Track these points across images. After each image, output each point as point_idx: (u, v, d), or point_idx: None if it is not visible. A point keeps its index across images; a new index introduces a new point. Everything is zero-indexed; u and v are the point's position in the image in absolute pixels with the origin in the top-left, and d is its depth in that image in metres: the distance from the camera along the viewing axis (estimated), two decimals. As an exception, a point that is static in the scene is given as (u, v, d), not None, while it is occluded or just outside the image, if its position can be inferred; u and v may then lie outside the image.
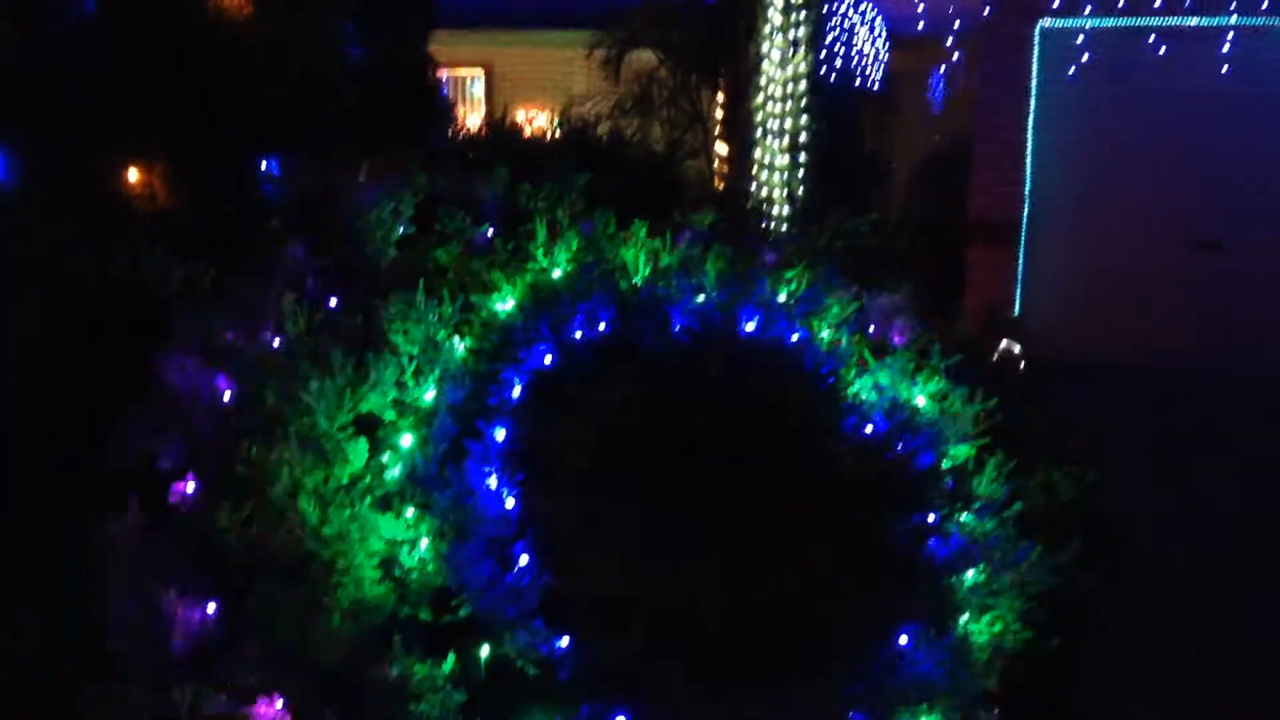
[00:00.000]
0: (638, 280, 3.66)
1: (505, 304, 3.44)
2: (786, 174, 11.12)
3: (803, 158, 11.30)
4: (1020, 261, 11.04)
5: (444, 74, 13.57)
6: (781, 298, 3.75)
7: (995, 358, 7.63)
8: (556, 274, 3.57)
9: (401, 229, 3.39)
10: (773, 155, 11.24)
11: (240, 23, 3.51)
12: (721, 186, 11.70)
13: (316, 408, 2.86)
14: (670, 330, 3.55)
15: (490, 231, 3.60)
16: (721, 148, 11.86)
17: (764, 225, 5.14)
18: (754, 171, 10.99)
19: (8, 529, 2.70)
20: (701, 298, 3.66)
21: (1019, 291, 11.10)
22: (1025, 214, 10.88)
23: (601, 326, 3.49)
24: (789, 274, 3.80)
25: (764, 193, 10.74)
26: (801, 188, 11.01)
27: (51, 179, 3.30)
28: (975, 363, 4.08)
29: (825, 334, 3.75)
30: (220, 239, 3.22)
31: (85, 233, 3.26)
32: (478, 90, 13.62)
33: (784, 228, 8.89)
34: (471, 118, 13.64)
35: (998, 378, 4.12)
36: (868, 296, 4.00)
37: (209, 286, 3.16)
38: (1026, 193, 10.80)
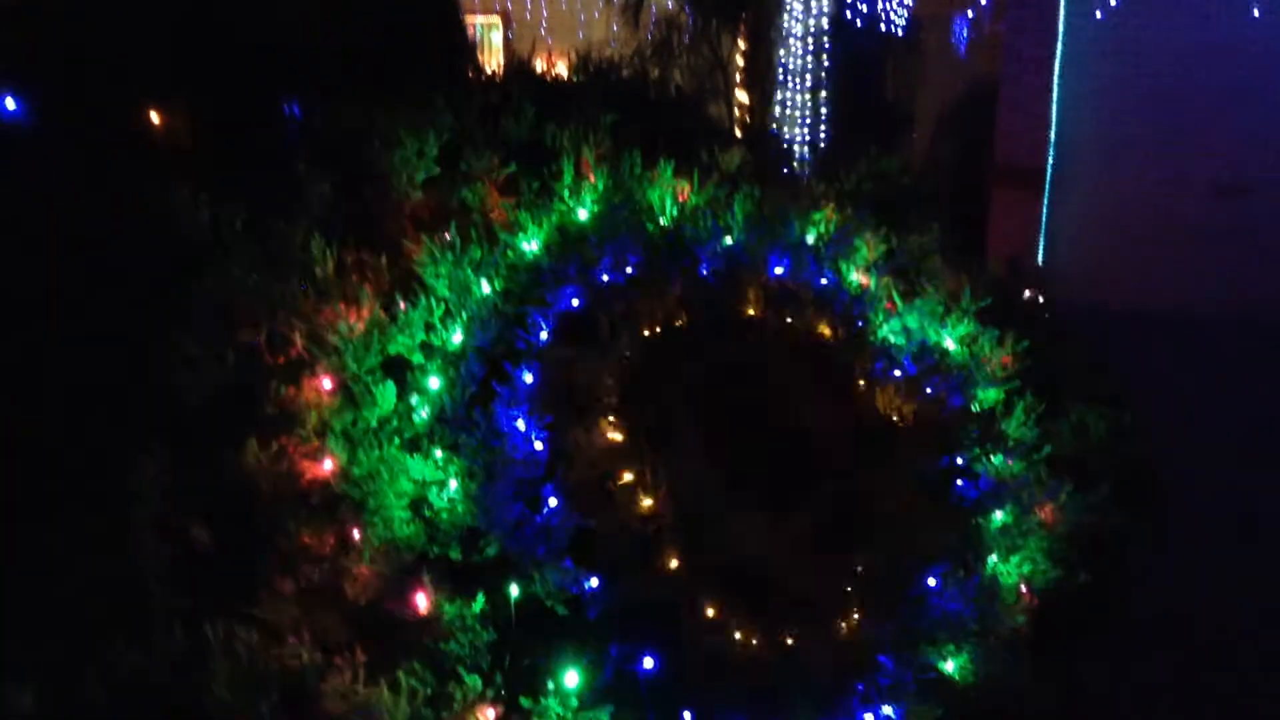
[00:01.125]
0: (665, 221, 3.62)
1: (531, 244, 3.40)
2: (809, 119, 10.97)
3: (824, 104, 11.15)
4: (1045, 207, 10.90)
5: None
6: (810, 239, 3.71)
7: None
8: (583, 215, 3.53)
9: (426, 170, 3.35)
10: (794, 101, 11.08)
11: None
12: (743, 133, 11.60)
13: (345, 350, 2.85)
14: (698, 272, 3.51)
15: (516, 170, 3.56)
16: (742, 94, 11.74)
17: (790, 166, 5.06)
18: (775, 117, 10.86)
19: (49, 473, 2.72)
20: (729, 239, 3.62)
21: (1043, 237, 10.98)
22: (1050, 159, 10.73)
23: (629, 269, 3.46)
24: (817, 215, 3.75)
25: (785, 137, 10.61)
26: (824, 132, 10.87)
27: (74, 121, 3.28)
28: (1005, 306, 4.03)
29: (854, 276, 3.71)
30: (246, 180, 3.19)
31: (110, 175, 3.25)
32: (496, 39, 13.46)
33: (806, 172, 8.80)
34: (489, 68, 13.49)
35: (1028, 321, 4.07)
36: (896, 238, 3.95)
37: (237, 227, 3.14)
38: (1052, 138, 10.64)
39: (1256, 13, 9.62)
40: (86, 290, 2.96)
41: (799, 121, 11.06)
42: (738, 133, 11.65)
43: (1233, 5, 9.69)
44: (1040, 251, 11.00)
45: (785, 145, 9.22)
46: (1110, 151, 10.66)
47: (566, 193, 3.52)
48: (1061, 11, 10.24)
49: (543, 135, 3.71)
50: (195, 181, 3.11)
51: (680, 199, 3.65)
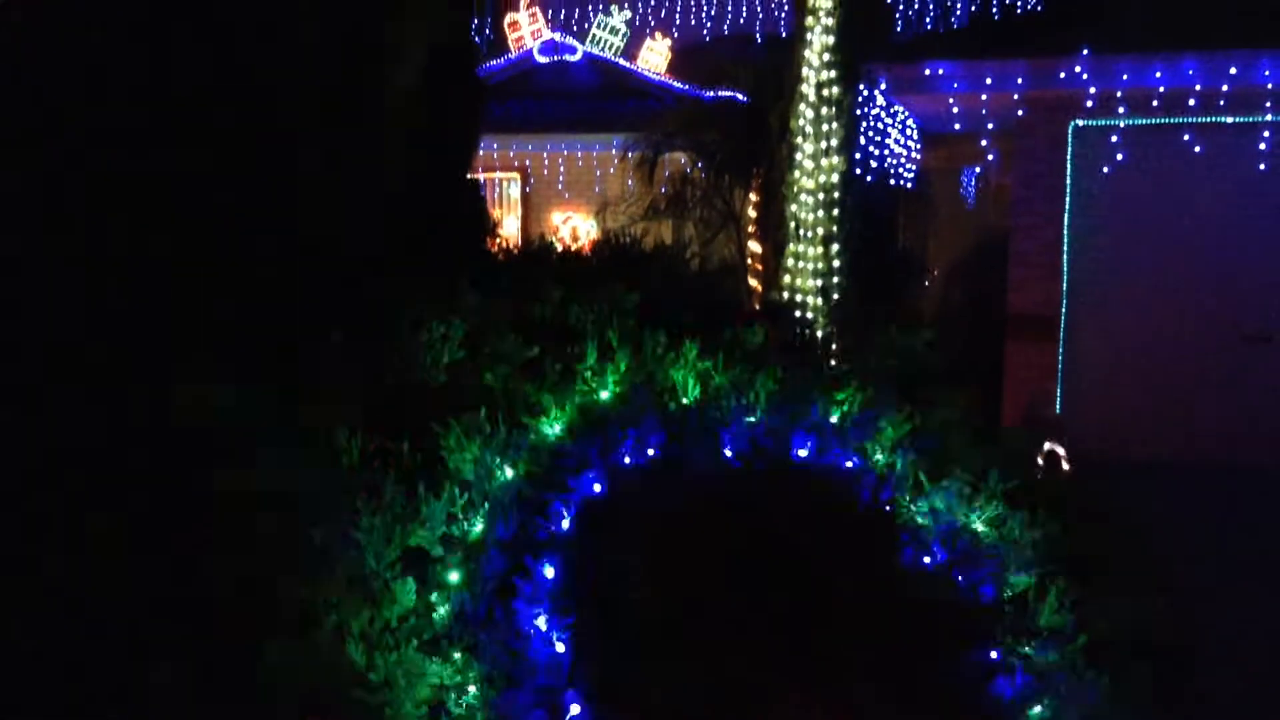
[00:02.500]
0: (688, 401, 3.61)
1: (554, 427, 3.39)
2: (821, 274, 11.12)
3: (836, 257, 11.32)
4: (1060, 356, 10.91)
5: (481, 178, 13.85)
6: (834, 419, 3.68)
7: (1039, 460, 7.48)
8: (605, 395, 3.53)
9: (450, 354, 3.37)
10: (806, 255, 11.26)
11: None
12: (757, 286, 11.75)
13: (366, 545, 2.81)
14: (721, 454, 3.48)
15: (539, 352, 3.57)
16: (755, 246, 11.93)
17: (811, 335, 5.08)
18: (788, 271, 11.02)
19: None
20: (753, 419, 3.60)
21: (1059, 386, 10.95)
22: (1064, 308, 10.79)
23: (651, 451, 3.43)
24: (841, 395, 3.74)
25: (799, 292, 10.74)
26: (836, 285, 11.01)
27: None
28: (1033, 484, 3.97)
29: (879, 457, 3.67)
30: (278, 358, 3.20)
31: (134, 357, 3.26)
32: (514, 192, 13.82)
33: (820, 331, 8.86)
34: (508, 219, 13.85)
35: (1057, 500, 3.99)
36: (920, 415, 3.92)
37: (262, 412, 3.14)
38: (1065, 287, 10.73)
39: (1263, 166, 9.81)
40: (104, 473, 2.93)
41: (811, 274, 11.21)
42: (752, 282, 11.82)
43: (1241, 155, 9.89)
44: (1058, 400, 10.96)
45: (798, 300, 9.28)
46: (1125, 300, 10.72)
47: (589, 374, 3.53)
48: (1069, 165, 10.47)
49: (567, 316, 3.75)
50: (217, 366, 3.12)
51: (703, 379, 3.66)
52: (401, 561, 2.91)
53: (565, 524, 3.14)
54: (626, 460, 3.40)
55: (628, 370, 3.56)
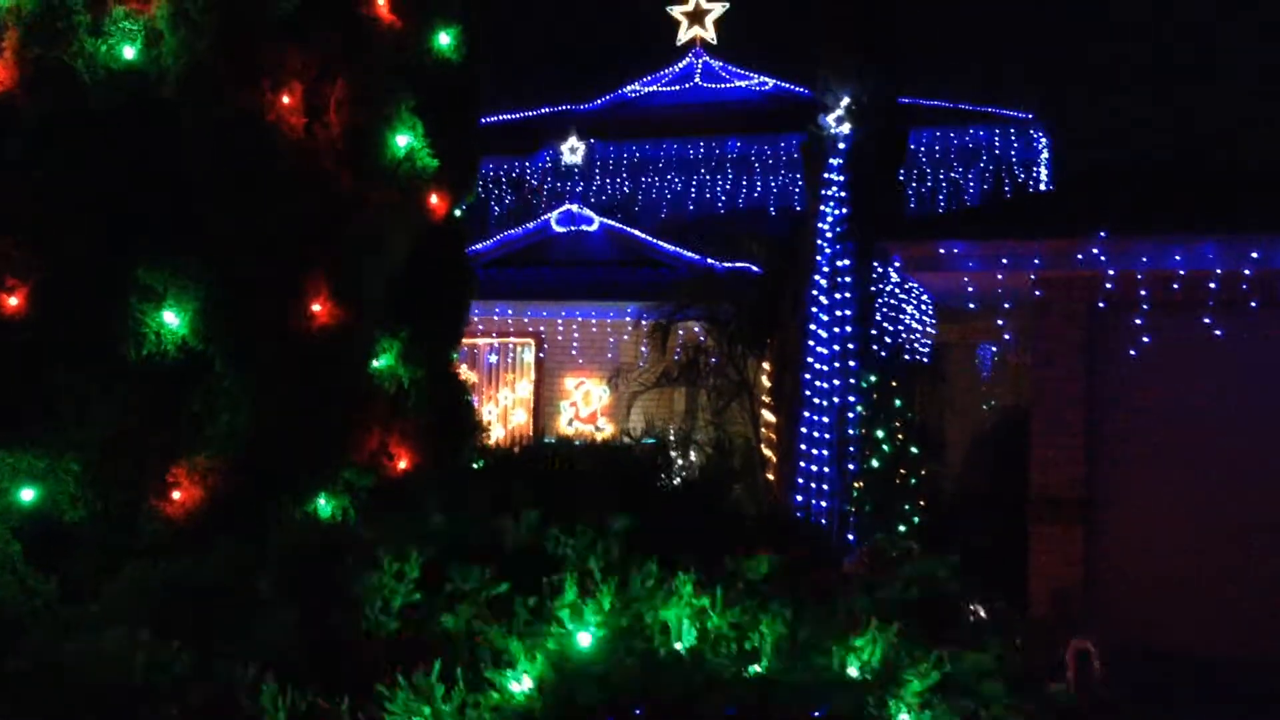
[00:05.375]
0: (681, 647, 3.12)
1: (522, 682, 2.90)
2: (835, 445, 10.71)
3: (850, 425, 10.94)
4: (1085, 541, 10.34)
5: (494, 343, 13.70)
6: (853, 671, 3.18)
7: (1067, 657, 6.94)
8: (585, 640, 3.04)
9: (404, 595, 2.91)
10: (820, 422, 10.88)
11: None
12: (771, 456, 11.35)
13: None
14: (723, 714, 2.97)
15: (509, 587, 3.12)
16: (769, 416, 11.60)
17: (827, 540, 4.63)
18: (803, 437, 10.62)
19: None
20: (757, 668, 3.11)
21: (1084, 572, 10.34)
22: (1090, 491, 10.28)
23: (636, 710, 2.93)
24: (859, 641, 3.24)
25: (814, 468, 10.32)
26: (850, 456, 10.58)
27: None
28: None
29: (905, 717, 3.15)
30: (196, 611, 2.75)
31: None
32: (528, 357, 13.67)
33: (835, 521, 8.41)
34: (521, 383, 13.65)
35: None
36: (950, 659, 3.42)
37: (180, 665, 2.67)
38: (1089, 470, 10.25)
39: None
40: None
41: (821, 441, 10.81)
42: (765, 451, 11.41)
43: (1267, 339, 9.57)
44: (1083, 587, 10.33)
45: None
46: (1150, 483, 10.22)
47: (567, 614, 3.06)
48: (1090, 346, 10.14)
49: (544, 540, 3.31)
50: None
51: (699, 618, 3.18)
52: None
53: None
54: (607, 724, 2.89)
55: (612, 610, 3.09)
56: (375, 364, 3.84)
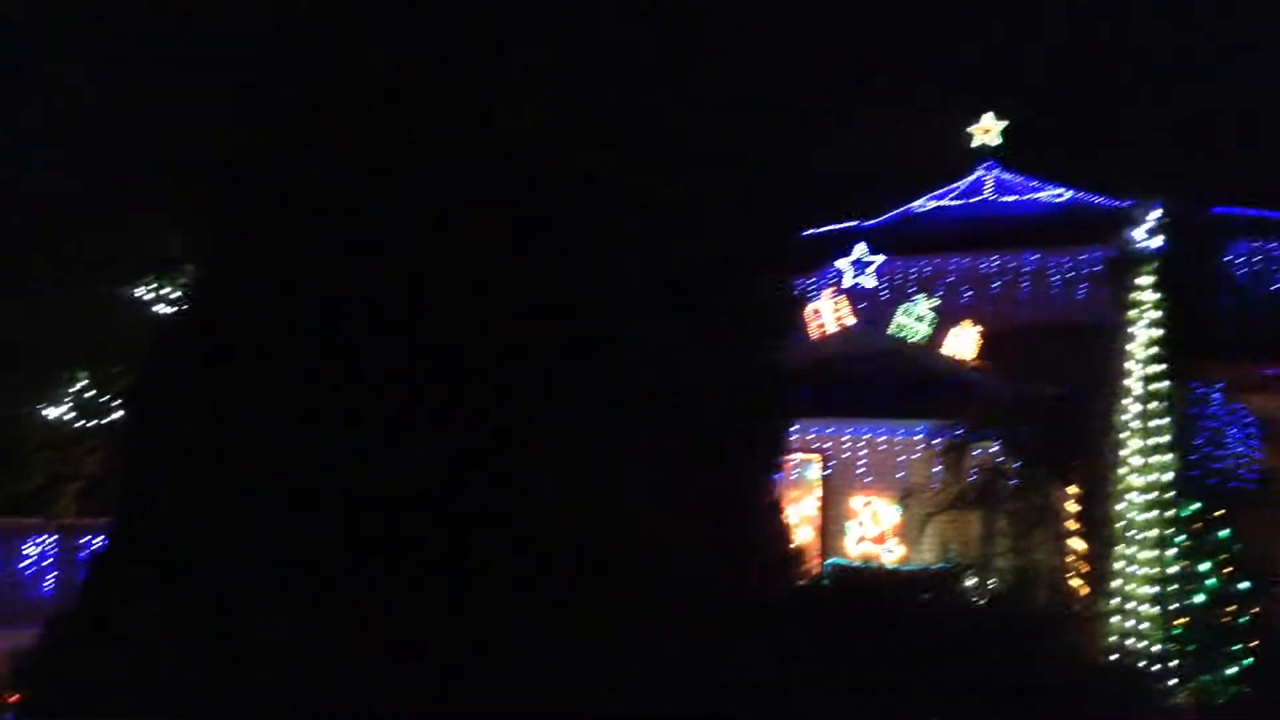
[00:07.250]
0: None
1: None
2: (1155, 580, 10.11)
3: (1172, 562, 10.30)
4: None
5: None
6: None
7: None
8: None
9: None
10: (1137, 559, 10.30)
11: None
12: (1080, 588, 10.78)
13: None
14: None
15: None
16: (1077, 544, 11.08)
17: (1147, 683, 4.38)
18: (1116, 578, 10.10)
19: None
20: None
21: None
22: None
23: None
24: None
25: (1129, 599, 9.77)
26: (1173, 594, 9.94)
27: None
28: None
29: None
30: None
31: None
32: (812, 475, 13.78)
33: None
34: (807, 500, 13.69)
35: None
36: None
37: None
38: None
39: None
40: None
41: (1143, 580, 10.22)
42: (1074, 582, 10.89)
43: None
44: None
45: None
46: None
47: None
48: None
49: None
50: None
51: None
52: None
53: None
54: None
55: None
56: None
